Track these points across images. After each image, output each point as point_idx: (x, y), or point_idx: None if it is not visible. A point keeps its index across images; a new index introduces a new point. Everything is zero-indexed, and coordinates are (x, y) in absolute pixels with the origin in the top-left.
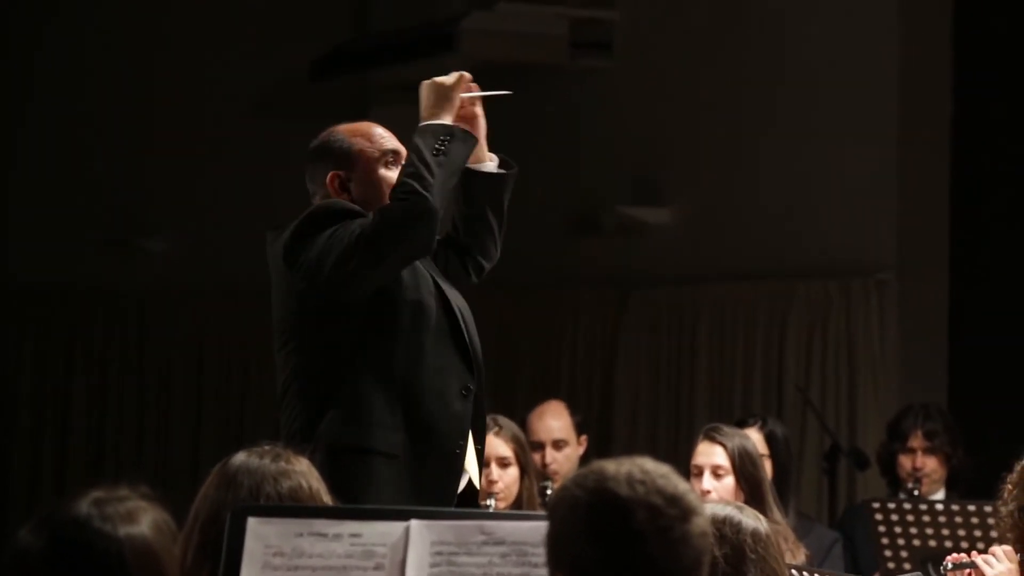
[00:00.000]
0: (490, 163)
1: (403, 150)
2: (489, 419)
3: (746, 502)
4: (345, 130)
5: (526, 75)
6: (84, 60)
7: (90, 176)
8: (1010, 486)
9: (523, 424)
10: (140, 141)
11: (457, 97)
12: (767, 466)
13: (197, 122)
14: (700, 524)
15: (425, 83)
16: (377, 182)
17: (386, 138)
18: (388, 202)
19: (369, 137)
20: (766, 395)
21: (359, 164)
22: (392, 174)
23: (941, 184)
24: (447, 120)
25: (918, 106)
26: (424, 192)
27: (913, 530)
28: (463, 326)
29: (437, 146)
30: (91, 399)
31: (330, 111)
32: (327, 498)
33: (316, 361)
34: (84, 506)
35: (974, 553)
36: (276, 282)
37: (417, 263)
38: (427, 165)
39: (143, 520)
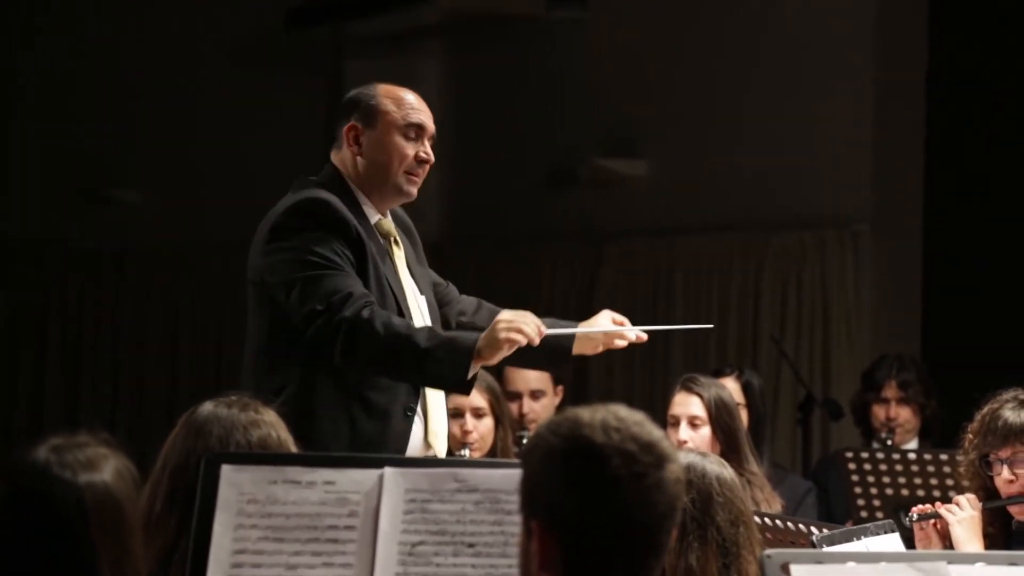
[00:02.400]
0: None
1: (430, 128)
2: None
3: (722, 452)
4: (383, 88)
5: (502, 27)
6: (58, 14)
7: (65, 128)
8: (971, 435)
9: (500, 374)
10: (115, 93)
11: (504, 349)
12: (743, 416)
13: (172, 73)
14: (674, 471)
15: (501, 316)
16: (389, 148)
17: (417, 110)
18: (392, 178)
19: (399, 103)
20: (741, 346)
21: (380, 124)
22: (409, 147)
23: (916, 136)
24: (479, 363)
25: (894, 59)
26: (385, 363)
27: (886, 479)
28: None
29: (433, 366)
30: (65, 352)
31: (305, 62)
32: (294, 449)
33: (272, 358)
34: (43, 453)
35: (938, 504)
36: (252, 255)
37: (380, 267)
38: (415, 350)
39: (104, 467)
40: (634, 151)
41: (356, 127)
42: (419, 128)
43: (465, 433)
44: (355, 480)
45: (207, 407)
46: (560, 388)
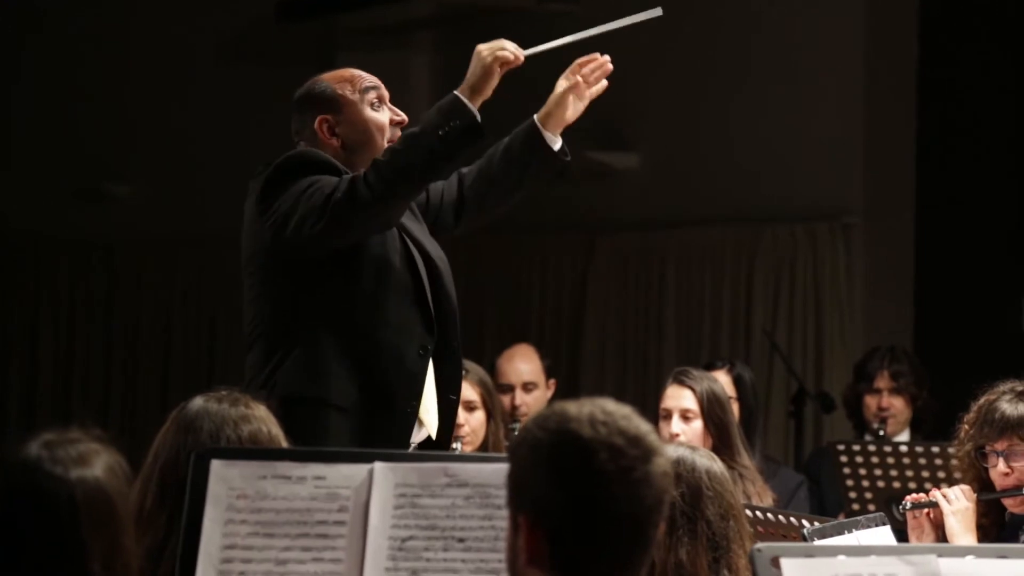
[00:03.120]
0: (556, 141)
1: (385, 91)
2: None
3: (714, 446)
4: (328, 77)
5: (493, 19)
6: (52, 8)
7: (58, 122)
8: (966, 426)
9: (492, 368)
10: (107, 86)
11: (495, 72)
12: (735, 409)
13: (164, 66)
14: (662, 464)
15: (479, 47)
16: (364, 123)
17: (367, 79)
18: (379, 150)
19: (352, 81)
20: (733, 339)
21: (345, 108)
22: (378, 115)
23: (908, 128)
24: (477, 100)
25: (885, 50)
26: (404, 172)
27: (877, 471)
28: (426, 285)
29: (443, 129)
30: (58, 346)
31: (296, 54)
32: (285, 444)
33: (277, 312)
34: (34, 448)
35: (934, 491)
36: (246, 223)
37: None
38: (421, 145)
39: (95, 463)
40: (626, 144)
41: (327, 119)
42: (377, 91)
43: (457, 427)
44: (345, 475)
45: (197, 402)
46: (552, 381)
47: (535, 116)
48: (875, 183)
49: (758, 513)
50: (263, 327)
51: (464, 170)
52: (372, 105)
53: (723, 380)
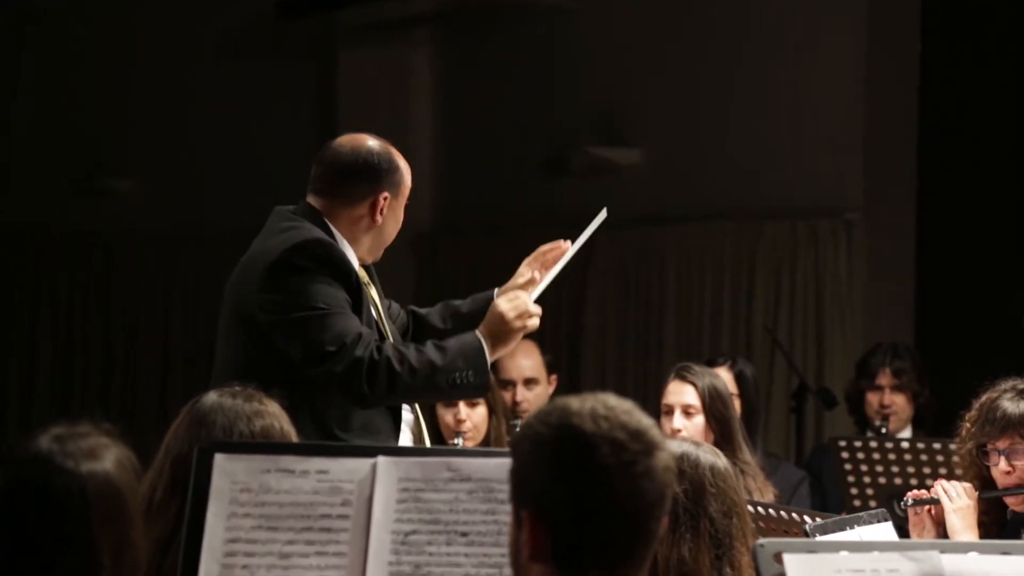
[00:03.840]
0: None
1: None
2: None
3: (716, 441)
4: (396, 156)
5: (494, 15)
6: (53, 4)
7: (59, 117)
8: (968, 424)
9: (494, 364)
10: (108, 82)
11: (517, 338)
12: (736, 405)
13: (165, 62)
14: (664, 458)
15: (503, 309)
16: (397, 223)
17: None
18: (389, 242)
19: (408, 175)
20: (734, 335)
21: (398, 200)
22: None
23: (909, 124)
24: (491, 358)
25: (886, 45)
26: (407, 390)
27: (879, 468)
28: None
29: (461, 377)
30: (56, 340)
31: (297, 51)
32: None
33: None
34: (45, 442)
35: (935, 485)
36: (248, 278)
37: (371, 311)
38: (434, 377)
39: (105, 457)
40: (627, 139)
41: (388, 198)
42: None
43: (459, 422)
44: (348, 469)
45: (211, 397)
46: (554, 377)
47: (495, 291)
48: (876, 179)
49: (760, 509)
50: (234, 375)
51: (414, 309)
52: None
53: (725, 376)
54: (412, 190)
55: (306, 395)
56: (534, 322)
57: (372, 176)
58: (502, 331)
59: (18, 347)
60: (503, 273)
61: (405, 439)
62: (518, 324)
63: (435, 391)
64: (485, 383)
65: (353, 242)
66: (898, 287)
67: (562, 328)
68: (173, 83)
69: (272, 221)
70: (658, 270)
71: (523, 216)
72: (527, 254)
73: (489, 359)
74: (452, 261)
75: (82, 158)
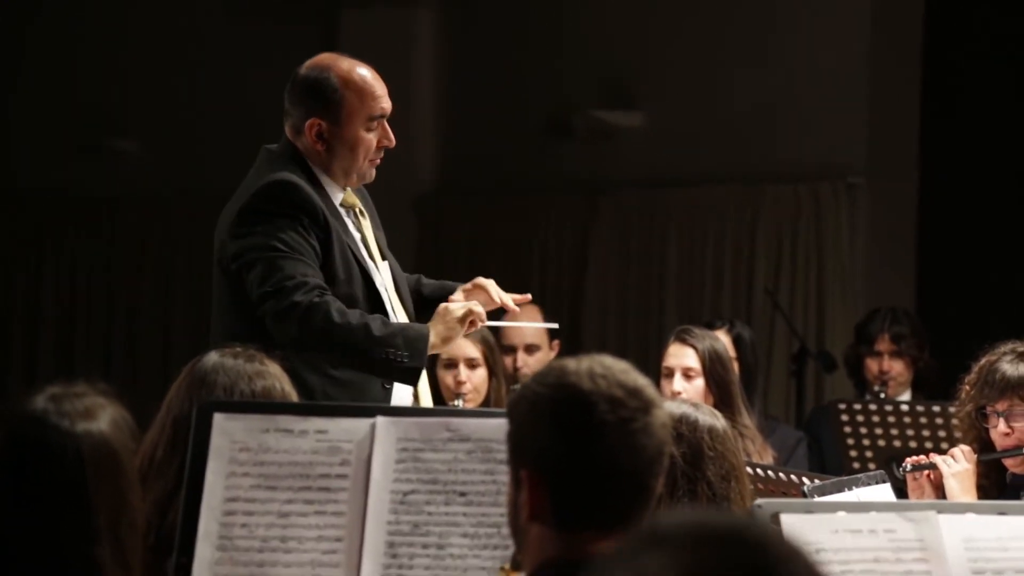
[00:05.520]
0: None
1: (389, 110)
2: None
3: (715, 404)
4: (340, 75)
5: None
6: None
7: (61, 80)
8: (967, 387)
9: (495, 329)
10: (111, 44)
11: (459, 334)
12: (734, 368)
13: (169, 23)
14: (661, 416)
15: (442, 308)
16: (354, 144)
17: (378, 99)
18: (357, 169)
19: (362, 94)
20: (735, 298)
21: (343, 120)
22: (371, 137)
23: (912, 88)
24: (427, 353)
25: (890, 8)
26: (338, 347)
27: (878, 430)
28: (392, 315)
29: (395, 355)
30: (60, 303)
31: (301, 12)
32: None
33: (246, 335)
34: (41, 402)
35: (933, 454)
36: (225, 224)
37: (348, 247)
38: (369, 345)
39: (101, 416)
40: (630, 103)
41: (319, 124)
42: (382, 117)
43: (459, 384)
44: (347, 429)
45: (213, 356)
46: (556, 342)
47: (459, 286)
48: (879, 143)
49: (759, 471)
50: (228, 320)
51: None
52: (369, 128)
53: (723, 339)
54: (414, 153)
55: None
56: (480, 315)
57: (304, 97)
58: (447, 327)
59: (22, 309)
60: (506, 235)
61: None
62: (462, 321)
63: (365, 358)
64: (417, 369)
65: (326, 172)
66: (899, 251)
67: (564, 292)
68: (176, 45)
69: (257, 162)
70: (660, 233)
71: (526, 179)
72: (528, 216)
73: (429, 350)
74: (454, 223)
75: (85, 120)
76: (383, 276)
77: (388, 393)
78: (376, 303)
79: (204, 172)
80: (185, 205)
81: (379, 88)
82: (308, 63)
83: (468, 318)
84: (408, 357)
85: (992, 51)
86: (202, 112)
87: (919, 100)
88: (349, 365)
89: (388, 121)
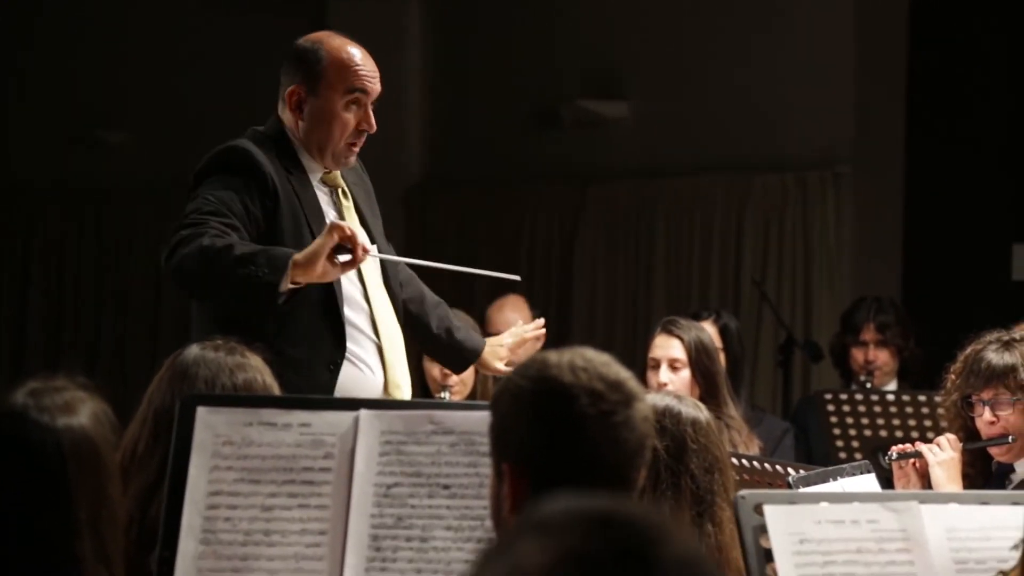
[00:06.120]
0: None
1: (376, 91)
2: None
3: (701, 395)
4: (329, 48)
5: None
6: None
7: (53, 71)
8: (953, 376)
9: (482, 317)
10: (101, 35)
11: (320, 263)
12: (720, 359)
13: (158, 15)
14: (642, 409)
15: (333, 222)
16: (330, 118)
17: (361, 75)
18: (332, 148)
19: (346, 68)
20: (723, 288)
21: (322, 93)
22: (351, 116)
23: (898, 78)
24: (303, 272)
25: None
26: (202, 275)
27: (864, 420)
28: (338, 297)
29: (253, 271)
30: (49, 294)
31: (288, 4)
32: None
33: (200, 315)
34: (20, 397)
35: (918, 443)
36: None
37: (305, 218)
38: (233, 265)
39: (81, 411)
40: (616, 93)
41: (298, 92)
42: (363, 93)
43: (445, 376)
44: (330, 422)
45: (194, 350)
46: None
47: (485, 342)
48: (865, 133)
49: (744, 462)
50: (193, 326)
51: (428, 297)
52: (348, 104)
53: (709, 330)
54: (402, 143)
55: (242, 317)
56: (342, 235)
57: (291, 66)
58: (313, 249)
59: (10, 300)
60: (493, 226)
61: (372, 359)
62: (324, 236)
63: (230, 278)
64: (273, 284)
65: (304, 148)
66: (886, 240)
67: (551, 282)
68: (165, 36)
69: None
70: (647, 223)
71: (513, 169)
72: (516, 207)
73: (290, 268)
74: (441, 213)
75: (76, 111)
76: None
77: (333, 375)
78: (327, 288)
79: (194, 163)
80: (175, 197)
81: (366, 66)
82: (305, 36)
83: (334, 232)
84: (268, 272)
85: (978, 40)
86: (193, 105)
87: (905, 90)
88: (218, 290)
89: (376, 111)
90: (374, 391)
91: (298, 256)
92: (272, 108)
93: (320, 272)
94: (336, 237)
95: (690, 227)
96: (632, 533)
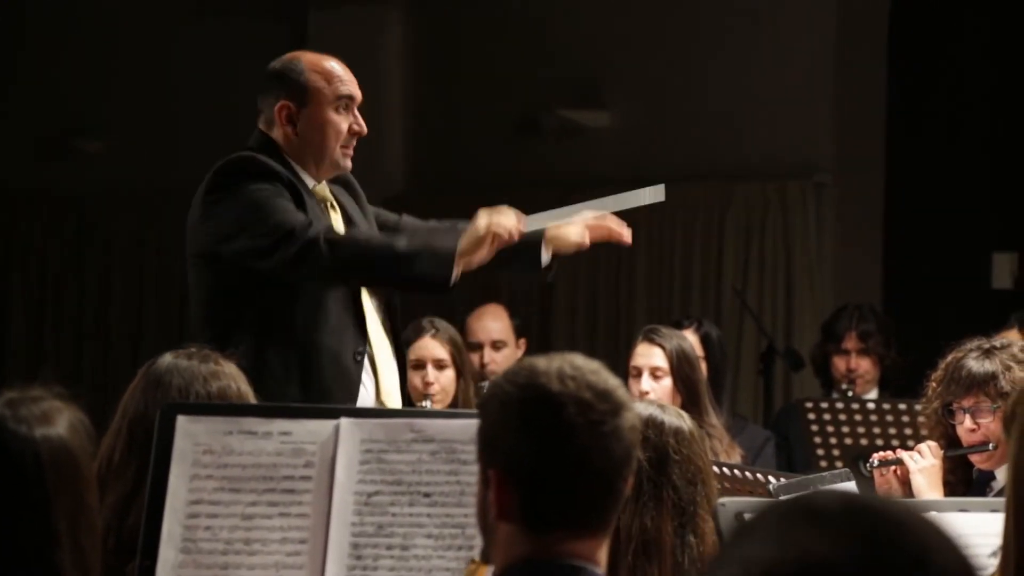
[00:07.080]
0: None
1: (359, 97)
2: (426, 321)
3: (683, 403)
4: (308, 62)
5: None
6: None
7: (29, 75)
8: (934, 384)
9: (462, 326)
10: (80, 42)
11: (487, 244)
12: (702, 367)
13: (138, 22)
14: (630, 418)
15: (480, 211)
16: (324, 125)
17: (345, 82)
18: (330, 154)
19: (328, 77)
20: (704, 297)
21: (311, 102)
22: (342, 119)
23: (879, 86)
24: (464, 262)
25: (856, 6)
26: (365, 271)
27: (845, 428)
28: (361, 290)
29: (421, 270)
30: (29, 303)
31: (270, 11)
32: (253, 401)
33: (219, 312)
34: None
35: (899, 450)
36: (194, 218)
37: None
38: (394, 265)
39: (59, 421)
40: (597, 102)
41: (288, 107)
42: (350, 99)
43: (427, 385)
44: (311, 431)
45: (167, 358)
46: (523, 341)
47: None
48: (846, 142)
49: (725, 470)
50: (206, 325)
51: (407, 220)
52: (338, 108)
53: (691, 338)
54: (383, 152)
55: (274, 308)
56: (499, 229)
57: (272, 87)
58: (472, 238)
59: None
60: None
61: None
62: (482, 228)
63: (390, 275)
64: (442, 281)
65: (298, 161)
66: (867, 249)
67: (533, 289)
68: (145, 44)
69: None
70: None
71: (494, 178)
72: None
73: (457, 262)
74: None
75: (53, 119)
76: None
77: (359, 366)
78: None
79: (174, 171)
80: (155, 204)
81: (346, 75)
82: (277, 59)
83: (491, 235)
84: (438, 272)
85: (959, 49)
86: (171, 112)
87: (885, 99)
88: (378, 282)
89: None
90: (370, 398)
91: (462, 246)
92: (252, 124)
93: (482, 258)
94: (505, 236)
95: (671, 236)
96: (915, 540)
